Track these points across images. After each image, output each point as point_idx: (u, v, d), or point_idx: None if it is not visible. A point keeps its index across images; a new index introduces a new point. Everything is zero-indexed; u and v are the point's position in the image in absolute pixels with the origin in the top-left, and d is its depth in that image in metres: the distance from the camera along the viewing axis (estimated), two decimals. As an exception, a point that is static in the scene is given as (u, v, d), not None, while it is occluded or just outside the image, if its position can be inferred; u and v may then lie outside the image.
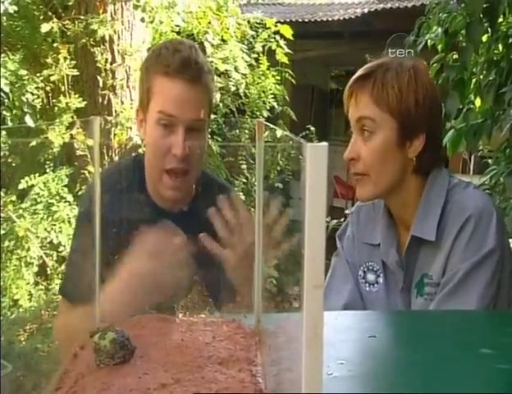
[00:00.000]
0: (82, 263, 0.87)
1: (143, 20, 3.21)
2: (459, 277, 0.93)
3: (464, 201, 0.98)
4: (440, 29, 1.85)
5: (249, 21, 4.02)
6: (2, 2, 3.00)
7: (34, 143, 2.67)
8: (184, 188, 1.04)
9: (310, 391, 0.30)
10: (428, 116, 0.99)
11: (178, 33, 3.53)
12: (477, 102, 1.92)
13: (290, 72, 4.02)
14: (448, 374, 0.62)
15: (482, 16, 1.66)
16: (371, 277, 1.07)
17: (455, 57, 1.82)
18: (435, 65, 1.89)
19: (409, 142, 0.98)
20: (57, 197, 2.74)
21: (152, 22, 3.35)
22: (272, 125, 0.63)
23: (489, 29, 1.75)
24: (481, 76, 1.90)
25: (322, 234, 0.28)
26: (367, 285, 1.07)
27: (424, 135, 0.98)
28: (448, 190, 0.99)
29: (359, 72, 1.01)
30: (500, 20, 1.85)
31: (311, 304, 0.28)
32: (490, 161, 2.05)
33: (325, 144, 0.29)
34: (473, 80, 1.94)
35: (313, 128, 4.27)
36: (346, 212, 4.35)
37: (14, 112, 2.88)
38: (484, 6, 1.64)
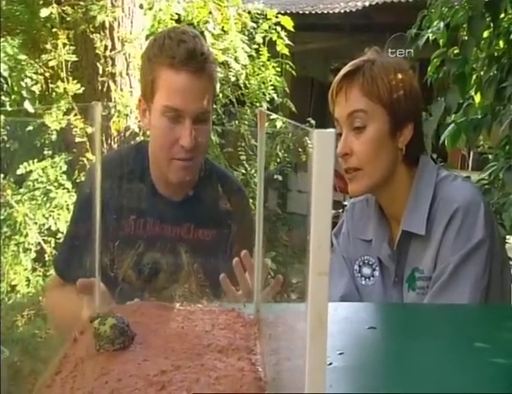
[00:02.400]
0: (80, 245, 0.88)
1: (141, 6, 3.18)
2: (450, 270, 0.94)
3: (451, 194, 0.99)
4: (442, 24, 1.84)
5: (249, 12, 3.99)
6: (1, -13, 2.96)
7: (30, 127, 2.64)
8: (192, 171, 1.05)
9: (314, 380, 0.30)
10: (415, 105, 1.03)
11: (178, 21, 3.50)
12: (477, 98, 1.91)
13: (291, 64, 4.00)
14: (444, 366, 0.63)
15: (484, 10, 1.65)
16: (366, 270, 1.08)
17: (457, 51, 1.82)
18: (435, 60, 1.88)
19: (399, 132, 1.01)
20: (56, 184, 2.72)
21: (151, 9, 3.31)
22: (274, 115, 0.63)
23: (491, 24, 1.74)
24: (481, 72, 1.89)
25: (329, 221, 0.28)
26: (363, 278, 1.08)
27: (413, 124, 1.02)
28: (436, 183, 1.01)
29: (346, 68, 1.02)
30: (502, 15, 1.84)
31: (316, 291, 0.28)
32: (490, 156, 2.05)
33: (332, 130, 0.29)
34: (474, 76, 1.93)
35: (313, 121, 4.26)
36: (344, 203, 4.35)
37: (13, 97, 2.86)
38: (486, 0, 1.63)
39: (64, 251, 1.11)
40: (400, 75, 1.00)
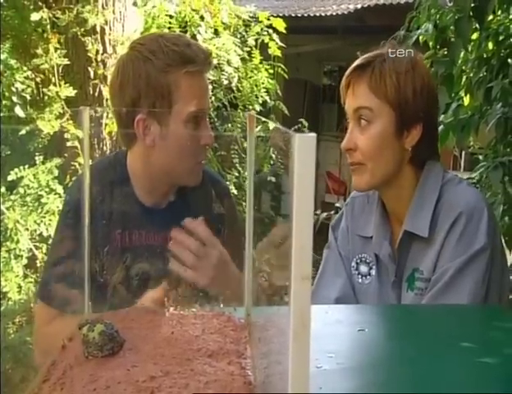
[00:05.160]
0: (69, 265, 0.84)
1: (135, 4, 3.18)
2: (449, 274, 0.93)
3: (455, 198, 0.98)
4: (430, 25, 1.85)
5: (241, 15, 4.00)
6: (-9, -8, 2.96)
7: (23, 131, 2.64)
8: None
9: (297, 382, 0.30)
10: (426, 106, 0.99)
11: (170, 17, 3.50)
12: (467, 99, 1.92)
13: (283, 67, 4.01)
14: (437, 367, 0.63)
15: (471, 12, 1.66)
16: (364, 268, 1.07)
17: (446, 53, 1.83)
18: (425, 61, 1.88)
19: (406, 132, 0.99)
20: (47, 189, 2.71)
21: (145, 5, 3.32)
22: (263, 118, 0.63)
23: (478, 26, 1.76)
24: (471, 74, 1.91)
25: (310, 223, 0.28)
26: (359, 276, 1.07)
27: (421, 125, 0.99)
28: (441, 185, 1.00)
29: (357, 62, 1.00)
30: (491, 17, 1.85)
31: (298, 294, 0.28)
32: (480, 157, 2.07)
33: (313, 134, 0.29)
34: (464, 78, 1.95)
35: (305, 122, 4.27)
36: (336, 205, 4.35)
37: (4, 102, 2.84)
38: (473, 5, 1.64)
39: (49, 278, 1.03)
40: (411, 72, 0.97)
